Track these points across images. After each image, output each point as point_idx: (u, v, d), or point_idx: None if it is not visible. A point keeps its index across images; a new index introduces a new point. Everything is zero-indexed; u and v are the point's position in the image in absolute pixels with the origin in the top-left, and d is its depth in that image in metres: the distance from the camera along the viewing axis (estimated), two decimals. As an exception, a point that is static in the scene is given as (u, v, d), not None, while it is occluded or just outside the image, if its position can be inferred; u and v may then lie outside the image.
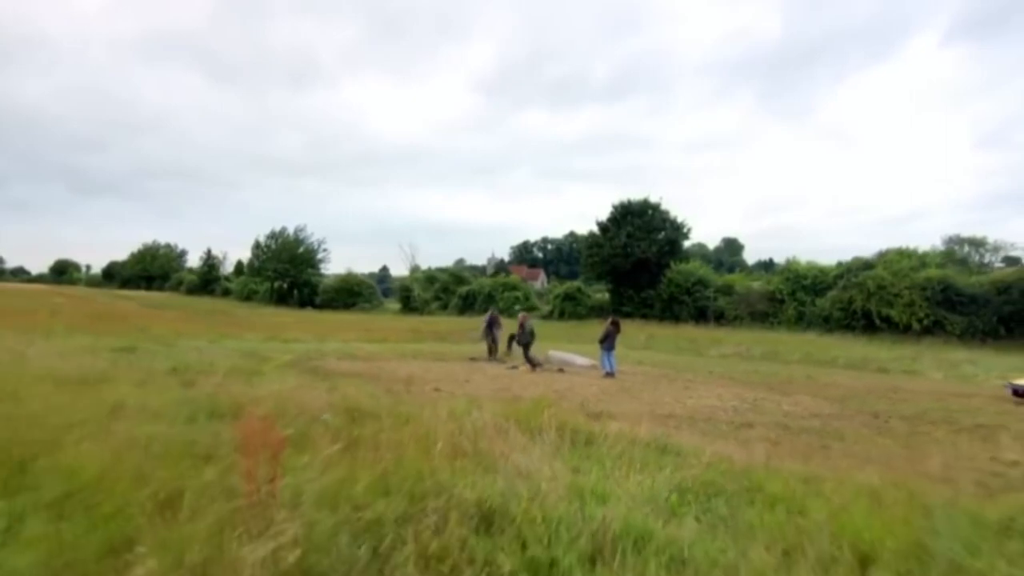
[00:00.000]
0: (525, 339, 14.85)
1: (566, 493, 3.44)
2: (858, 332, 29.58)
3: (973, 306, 28.33)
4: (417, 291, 50.93)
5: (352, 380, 9.06)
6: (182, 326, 20.98)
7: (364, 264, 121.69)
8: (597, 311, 38.58)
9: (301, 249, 58.39)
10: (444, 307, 49.13)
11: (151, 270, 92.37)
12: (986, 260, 47.00)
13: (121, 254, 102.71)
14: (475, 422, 4.59)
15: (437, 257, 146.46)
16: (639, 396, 10.64)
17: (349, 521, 2.65)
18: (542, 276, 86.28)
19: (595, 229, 42.84)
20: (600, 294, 44.12)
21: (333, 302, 53.83)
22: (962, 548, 3.13)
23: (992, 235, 56.50)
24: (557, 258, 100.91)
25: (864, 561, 2.83)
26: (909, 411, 10.32)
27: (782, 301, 34.71)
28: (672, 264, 39.04)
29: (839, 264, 36.41)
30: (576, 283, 46.26)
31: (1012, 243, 46.13)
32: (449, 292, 50.68)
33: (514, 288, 46.78)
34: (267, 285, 59.75)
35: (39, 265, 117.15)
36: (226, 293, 70.26)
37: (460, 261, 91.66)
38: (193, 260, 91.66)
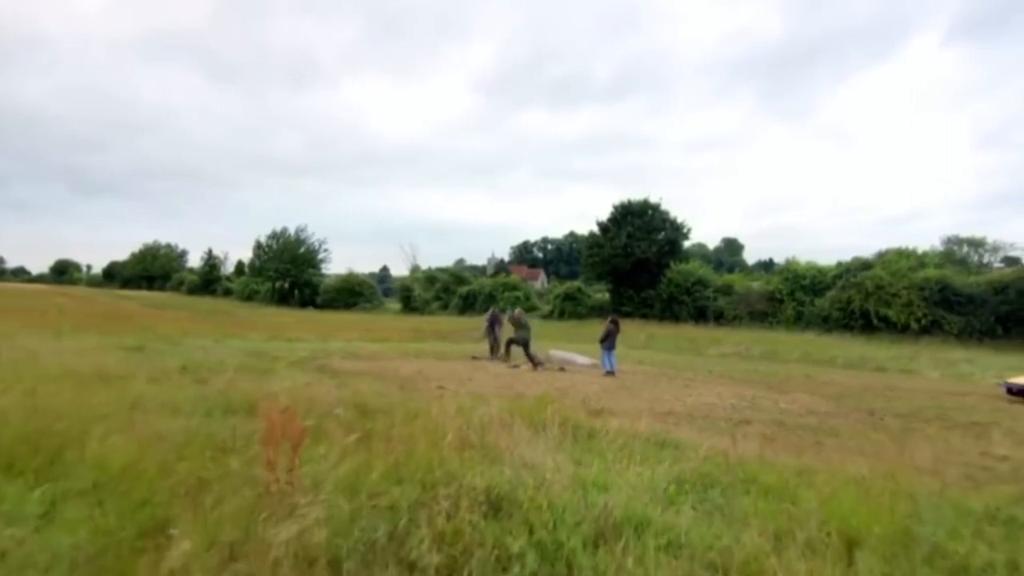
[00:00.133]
0: (522, 335, 14.93)
1: (569, 483, 3.61)
2: (856, 332, 29.75)
3: (971, 306, 28.51)
4: (418, 291, 51.13)
5: (359, 378, 9.24)
6: (187, 326, 21.15)
7: (364, 264, 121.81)
8: (597, 311, 38.74)
9: (302, 249, 58.56)
10: (445, 307, 49.30)
11: (152, 270, 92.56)
12: (985, 260, 47.13)
13: (121, 254, 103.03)
14: (482, 417, 4.76)
15: (437, 257, 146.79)
16: (639, 394, 10.81)
17: (366, 506, 2.83)
18: (542, 276, 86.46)
19: (595, 229, 43.04)
20: (600, 294, 44.29)
21: (334, 302, 54.00)
22: (945, 533, 3.32)
23: (992, 235, 56.77)
24: (557, 258, 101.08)
25: (851, 544, 3.01)
26: (904, 409, 10.50)
27: (781, 301, 34.89)
28: (672, 264, 39.22)
29: (838, 264, 36.62)
30: (576, 283, 46.44)
31: (1011, 243, 46.26)
32: (450, 292, 50.87)
33: (514, 288, 46.95)
34: (268, 285, 59.92)
35: (39, 265, 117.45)
36: (227, 293, 70.43)
37: (460, 261, 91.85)
38: (194, 260, 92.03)
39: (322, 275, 60.24)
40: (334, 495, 2.82)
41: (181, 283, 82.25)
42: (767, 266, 72.63)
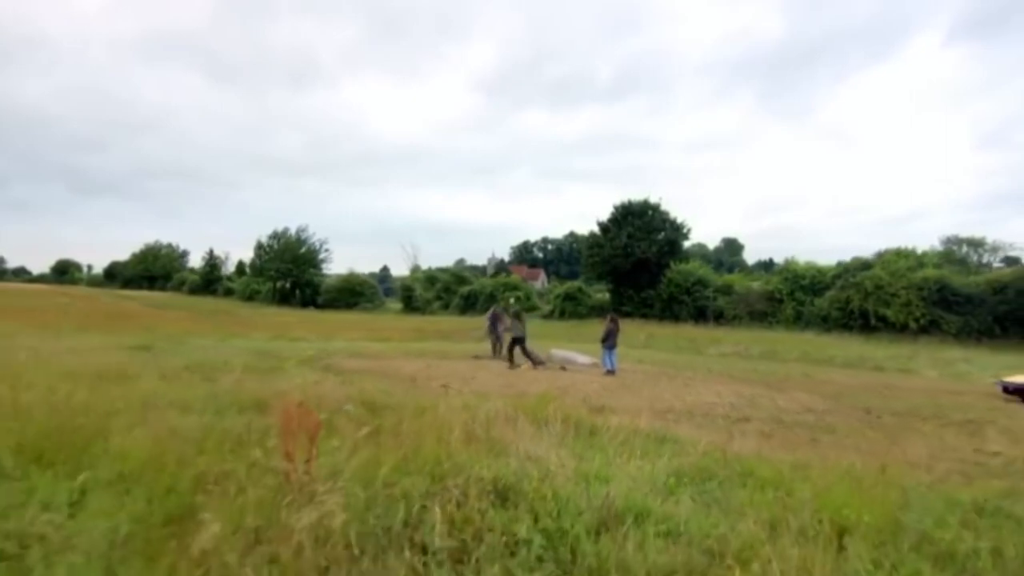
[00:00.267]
0: (519, 331, 14.95)
1: (572, 475, 3.76)
2: (855, 331, 29.92)
3: (969, 306, 28.67)
4: (419, 291, 51.30)
5: (364, 377, 9.39)
6: (190, 325, 21.31)
7: (364, 264, 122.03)
8: (597, 311, 38.89)
9: (303, 249, 58.75)
10: (446, 307, 49.47)
11: (153, 270, 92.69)
12: (985, 260, 47.23)
13: (121, 254, 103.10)
14: (487, 413, 4.91)
15: (437, 257, 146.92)
16: (639, 392, 10.95)
17: (381, 495, 2.98)
18: (542, 276, 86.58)
19: (595, 229, 43.23)
20: (600, 294, 44.46)
21: (335, 302, 54.18)
22: (932, 522, 3.47)
23: (992, 235, 56.83)
24: (557, 258, 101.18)
25: (841, 532, 3.16)
26: (901, 407, 10.64)
27: (781, 301, 35.06)
28: (672, 264, 39.39)
29: (838, 264, 36.84)
30: (577, 283, 46.61)
31: (1011, 243, 46.35)
32: (450, 292, 51.05)
33: (515, 288, 47.11)
34: (269, 285, 60.07)
35: (40, 265, 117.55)
36: (228, 293, 70.58)
37: (460, 261, 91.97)
38: (195, 260, 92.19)
39: (323, 275, 60.41)
40: (350, 484, 2.97)
41: (182, 283, 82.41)
42: (767, 266, 72.77)
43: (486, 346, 16.83)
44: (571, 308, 40.96)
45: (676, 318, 36.63)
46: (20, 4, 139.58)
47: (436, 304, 50.31)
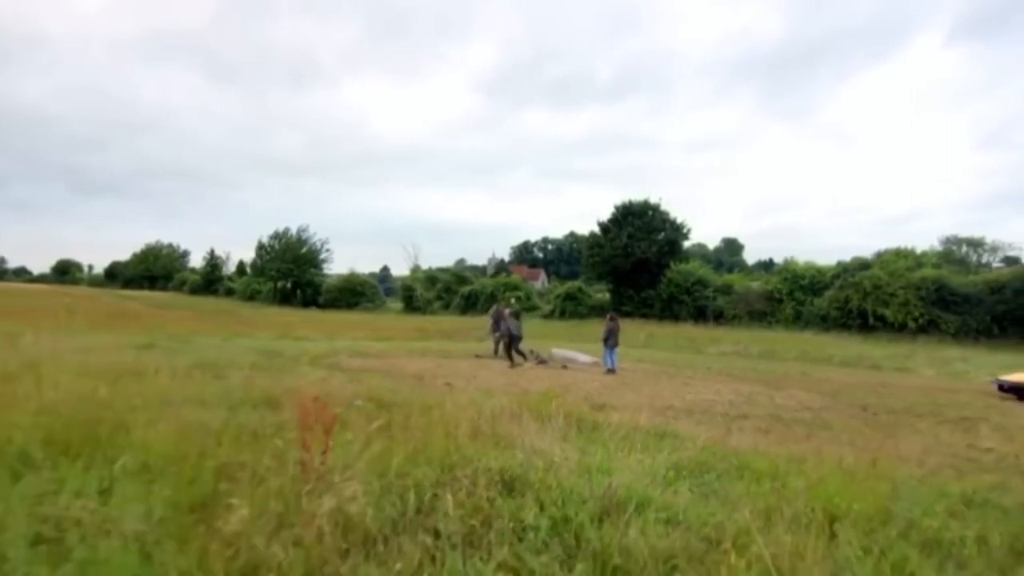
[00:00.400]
0: (517, 329, 15.07)
1: (576, 467, 3.92)
2: (854, 331, 30.08)
3: (967, 305, 28.83)
4: (420, 291, 51.47)
5: (369, 375, 9.55)
6: (194, 325, 21.47)
7: (365, 264, 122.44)
8: (597, 311, 39.06)
9: (304, 249, 58.95)
10: (447, 307, 49.64)
11: (154, 270, 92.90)
12: (984, 260, 47.43)
13: (121, 254, 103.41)
14: (492, 409, 5.07)
15: (437, 257, 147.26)
16: (640, 390, 11.11)
17: (395, 484, 3.14)
18: (542, 276, 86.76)
19: (596, 229, 43.42)
20: (601, 294, 44.64)
21: (337, 302, 54.37)
22: (920, 512, 3.63)
23: (992, 235, 57.13)
24: (557, 258, 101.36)
25: (833, 520, 3.31)
26: (897, 405, 10.80)
27: (780, 301, 35.24)
28: (672, 264, 39.58)
29: (837, 264, 37.01)
30: (577, 283, 46.79)
31: (1010, 243, 46.59)
32: (451, 292, 51.23)
33: (516, 288, 47.28)
34: (270, 285, 60.27)
35: (40, 265, 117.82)
36: (229, 293, 70.77)
37: (461, 261, 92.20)
38: (195, 260, 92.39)
39: (324, 275, 60.61)
40: (365, 474, 3.13)
41: (183, 283, 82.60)
42: (767, 266, 72.95)
43: (488, 345, 16.98)
44: (571, 308, 41.13)
45: (676, 318, 36.80)
46: (20, 4, 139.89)
47: (437, 304, 50.49)
